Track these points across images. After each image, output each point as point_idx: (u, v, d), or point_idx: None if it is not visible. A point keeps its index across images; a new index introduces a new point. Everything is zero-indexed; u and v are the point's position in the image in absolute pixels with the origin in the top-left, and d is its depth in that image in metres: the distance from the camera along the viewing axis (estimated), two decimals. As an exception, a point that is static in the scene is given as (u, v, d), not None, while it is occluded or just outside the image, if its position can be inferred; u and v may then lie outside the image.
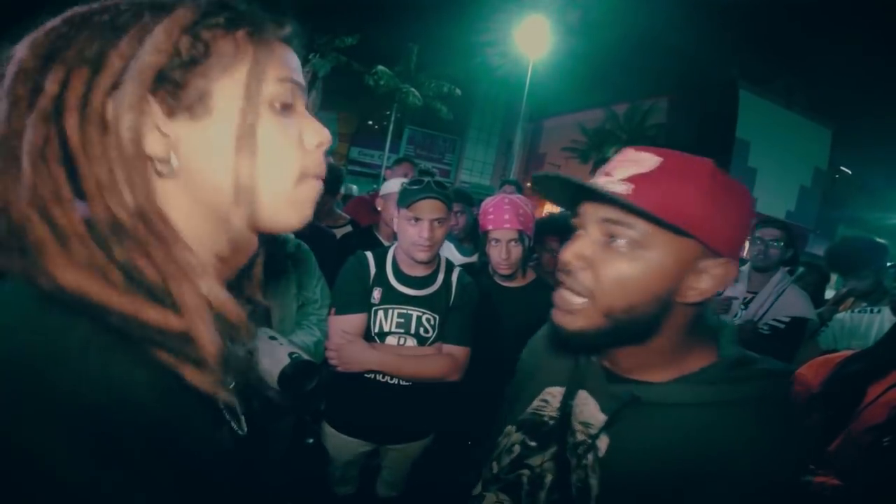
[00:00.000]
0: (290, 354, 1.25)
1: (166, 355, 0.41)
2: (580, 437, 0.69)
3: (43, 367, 0.36)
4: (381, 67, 18.08)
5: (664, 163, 0.59)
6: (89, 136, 0.40)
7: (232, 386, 0.54)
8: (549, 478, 0.71)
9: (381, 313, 1.57)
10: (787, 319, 2.26)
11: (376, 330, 1.56)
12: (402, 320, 1.57)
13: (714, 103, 17.97)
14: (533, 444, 0.75)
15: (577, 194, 0.65)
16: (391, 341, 1.57)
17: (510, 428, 0.80)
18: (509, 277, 1.81)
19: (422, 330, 1.59)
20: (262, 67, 0.46)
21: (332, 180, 2.73)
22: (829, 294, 3.39)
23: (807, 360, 1.43)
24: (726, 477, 0.56)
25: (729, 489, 0.56)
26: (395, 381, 1.56)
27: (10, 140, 0.39)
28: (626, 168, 0.60)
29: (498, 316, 1.77)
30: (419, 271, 1.61)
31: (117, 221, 0.40)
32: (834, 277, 3.77)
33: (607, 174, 0.62)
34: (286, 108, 0.48)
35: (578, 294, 0.62)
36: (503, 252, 1.74)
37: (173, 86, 0.42)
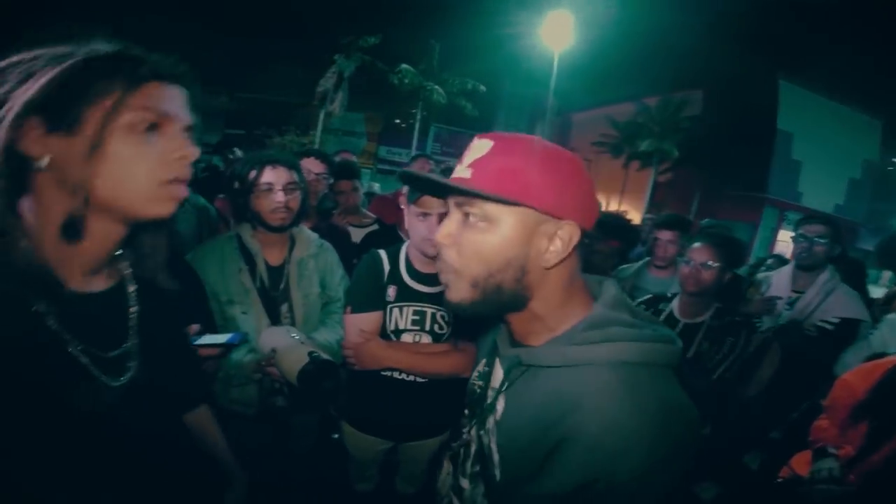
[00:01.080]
0: (310, 353, 1.26)
1: None
2: (489, 402, 0.76)
3: None
4: (404, 66, 18.16)
5: (494, 145, 0.66)
6: None
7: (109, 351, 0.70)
8: (473, 447, 0.78)
9: (396, 311, 1.55)
10: (836, 321, 2.12)
11: (392, 327, 1.54)
12: (417, 317, 1.55)
13: (752, 94, 17.24)
14: (466, 412, 0.83)
15: (430, 186, 0.77)
16: (407, 339, 1.54)
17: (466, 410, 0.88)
18: None
19: (436, 327, 1.56)
20: (127, 100, 0.61)
21: (348, 172, 2.75)
22: (877, 292, 3.17)
23: (854, 364, 1.32)
24: (576, 441, 0.60)
25: (577, 453, 0.59)
26: (411, 378, 1.54)
27: None
28: (471, 154, 0.68)
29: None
30: (432, 268, 1.58)
31: None
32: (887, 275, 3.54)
33: (460, 162, 0.70)
34: (151, 130, 0.63)
35: (449, 270, 0.69)
36: None
37: (55, 112, 0.59)
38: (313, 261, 1.72)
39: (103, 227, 0.66)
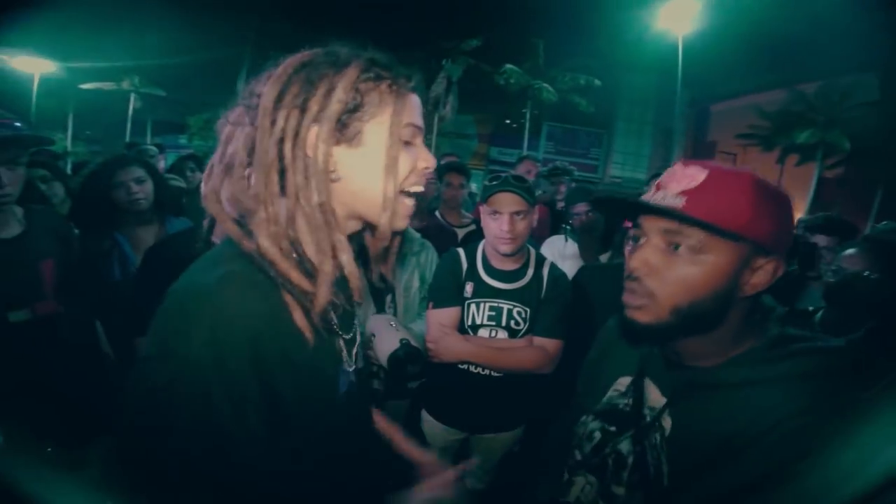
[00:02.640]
0: (401, 340, 1.41)
1: (291, 299, 0.63)
2: (649, 419, 0.79)
3: (210, 292, 0.58)
4: (508, 66, 18.00)
5: (710, 175, 0.68)
6: (296, 155, 0.62)
7: (350, 339, 0.76)
8: (630, 459, 0.80)
9: (473, 307, 1.63)
10: None
11: (469, 322, 1.63)
12: (493, 313, 1.61)
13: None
14: (612, 429, 0.84)
15: (635, 209, 0.76)
16: (483, 333, 1.62)
17: (587, 417, 0.90)
18: None
19: (513, 323, 1.60)
20: (399, 116, 0.66)
21: (459, 168, 2.89)
22: None
23: None
24: (761, 447, 0.63)
25: (762, 459, 0.63)
26: (486, 371, 1.61)
27: (259, 158, 0.62)
28: (678, 183, 0.69)
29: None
30: (508, 265, 1.63)
31: (304, 212, 0.63)
32: None
33: (661, 188, 0.71)
34: (408, 143, 0.68)
35: (644, 296, 0.71)
36: None
37: (341, 125, 0.64)
38: (415, 258, 1.89)
39: (353, 226, 0.72)
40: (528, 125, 19.50)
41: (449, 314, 1.62)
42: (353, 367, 0.77)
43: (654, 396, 0.79)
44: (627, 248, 1.61)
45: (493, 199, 1.53)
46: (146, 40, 15.59)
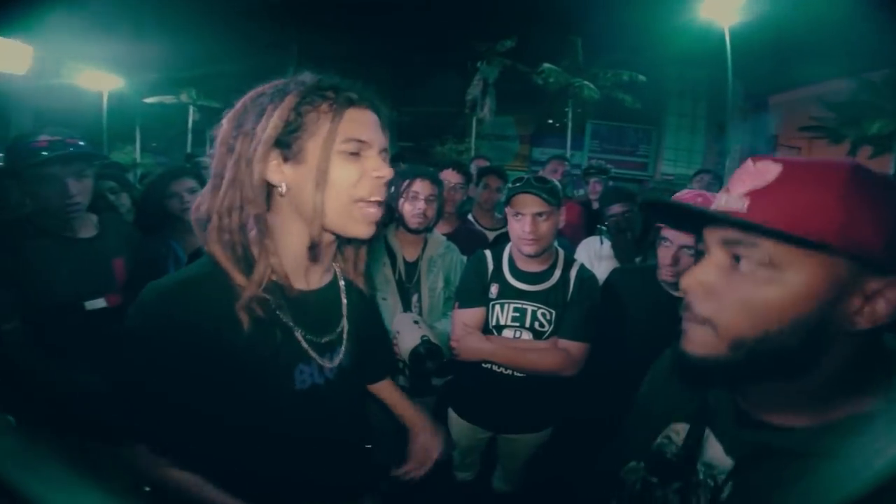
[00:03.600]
0: (422, 337, 1.48)
1: (238, 295, 0.74)
2: (703, 477, 0.64)
3: (179, 285, 0.76)
4: (546, 65, 17.66)
5: (784, 170, 0.53)
6: (248, 175, 0.73)
7: (323, 338, 0.85)
8: None
9: (497, 307, 1.66)
10: None
11: (493, 323, 1.66)
12: (517, 314, 1.63)
13: None
14: (654, 480, 0.72)
15: (687, 215, 0.62)
16: (507, 334, 1.64)
17: (634, 464, 0.77)
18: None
19: (537, 324, 1.62)
20: (333, 132, 0.73)
21: (499, 172, 2.95)
22: None
23: None
24: None
25: None
26: (509, 371, 1.63)
27: (219, 173, 0.75)
28: (744, 182, 0.55)
29: (653, 327, 1.66)
30: (534, 266, 1.65)
31: (247, 222, 0.75)
32: None
33: (727, 190, 0.58)
34: (354, 155, 0.75)
35: (700, 322, 0.57)
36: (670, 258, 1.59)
37: (286, 146, 0.73)
38: (441, 259, 1.95)
39: (327, 240, 0.80)
40: (570, 124, 19.12)
41: (473, 314, 1.66)
42: (331, 364, 0.86)
43: (716, 454, 0.64)
44: (660, 250, 1.59)
45: (515, 200, 1.56)
46: (196, 53, 16.61)
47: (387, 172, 0.77)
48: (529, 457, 1.77)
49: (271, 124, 0.71)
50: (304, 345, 0.82)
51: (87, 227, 1.59)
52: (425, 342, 1.48)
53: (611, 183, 3.66)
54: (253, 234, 0.75)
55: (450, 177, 2.56)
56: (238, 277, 0.74)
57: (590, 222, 3.26)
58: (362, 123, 0.76)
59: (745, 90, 18.25)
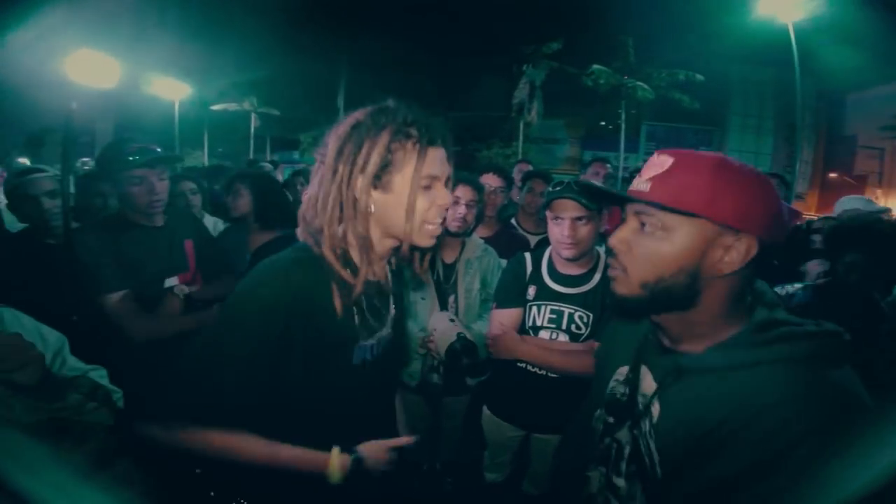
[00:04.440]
0: (458, 334, 1.52)
1: (335, 286, 0.91)
2: (641, 407, 0.81)
3: (280, 263, 0.91)
4: (596, 66, 17.21)
5: (675, 161, 0.72)
6: (348, 196, 0.89)
7: (378, 323, 1.01)
8: (627, 449, 0.83)
9: (534, 309, 1.67)
10: None
11: (530, 324, 1.67)
12: (553, 316, 1.64)
13: None
14: (611, 420, 0.89)
15: (609, 196, 0.88)
16: (544, 336, 1.65)
17: (598, 411, 0.94)
18: None
19: (573, 327, 1.61)
20: (419, 171, 0.88)
21: (544, 176, 2.96)
22: None
23: None
24: (747, 436, 0.65)
25: (749, 448, 0.64)
26: (542, 372, 1.64)
27: (325, 193, 0.90)
28: (650, 170, 0.75)
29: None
30: (573, 270, 1.64)
31: (353, 235, 0.92)
32: None
33: (640, 175, 0.77)
34: (428, 188, 0.90)
35: (619, 268, 0.77)
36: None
37: (377, 178, 0.88)
38: (477, 262, 1.99)
39: (391, 244, 0.97)
40: (623, 126, 18.56)
41: (510, 314, 1.68)
42: (374, 342, 1.00)
43: (648, 383, 0.82)
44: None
45: (555, 204, 1.57)
46: (255, 61, 17.57)
47: (449, 201, 0.94)
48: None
49: (371, 162, 0.87)
50: (364, 328, 0.97)
51: (159, 218, 1.84)
52: (461, 338, 1.51)
53: None
54: (351, 240, 0.92)
55: (490, 181, 2.58)
56: (347, 276, 0.91)
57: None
58: (437, 160, 0.91)
59: (818, 89, 17.02)
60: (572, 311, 1.62)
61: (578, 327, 1.62)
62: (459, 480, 2.04)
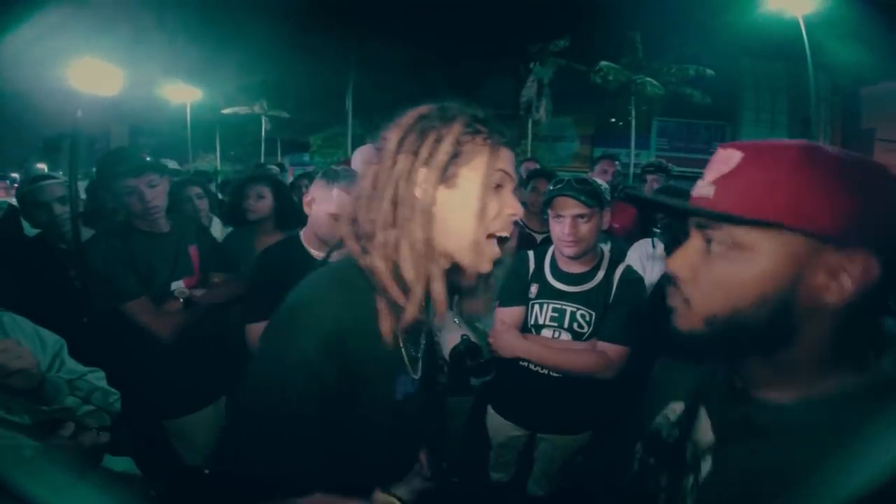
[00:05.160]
0: (462, 336, 1.53)
1: (383, 308, 0.76)
2: (689, 456, 0.66)
3: (314, 302, 0.75)
4: (604, 63, 17.02)
5: (745, 156, 0.56)
6: (408, 193, 0.74)
7: (416, 352, 0.87)
8: (660, 499, 0.69)
9: (536, 307, 1.67)
10: None
11: (532, 322, 1.67)
12: (555, 314, 1.63)
13: None
14: (651, 461, 0.74)
15: (659, 206, 0.71)
16: (546, 334, 1.65)
17: (638, 445, 0.79)
18: None
19: (576, 325, 1.61)
20: (493, 164, 0.76)
21: (547, 174, 2.97)
22: None
23: None
24: None
25: None
26: (545, 371, 1.63)
27: (381, 190, 0.76)
28: (714, 170, 0.59)
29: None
30: (575, 268, 1.64)
31: (408, 241, 0.75)
32: None
33: (703, 177, 0.61)
34: (499, 188, 0.77)
35: (679, 299, 0.62)
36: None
37: (443, 168, 0.74)
38: None
39: (444, 262, 0.79)
40: (634, 122, 18.37)
41: (512, 313, 1.68)
42: (417, 376, 0.86)
43: (705, 431, 0.65)
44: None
45: (556, 202, 1.56)
46: (263, 64, 17.74)
47: (520, 212, 0.80)
48: (566, 461, 1.75)
49: (443, 149, 0.74)
50: (406, 357, 0.84)
51: (164, 223, 1.87)
52: (465, 340, 1.52)
53: (671, 182, 3.52)
54: (404, 251, 0.75)
55: None
56: (397, 294, 0.75)
57: (645, 223, 3.16)
58: (509, 160, 0.80)
59: (832, 82, 16.70)
60: (574, 309, 1.62)
61: (580, 326, 1.61)
62: (465, 479, 2.05)
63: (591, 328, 1.60)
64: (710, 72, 16.58)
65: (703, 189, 0.58)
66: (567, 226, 1.54)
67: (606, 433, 1.70)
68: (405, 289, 0.75)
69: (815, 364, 0.55)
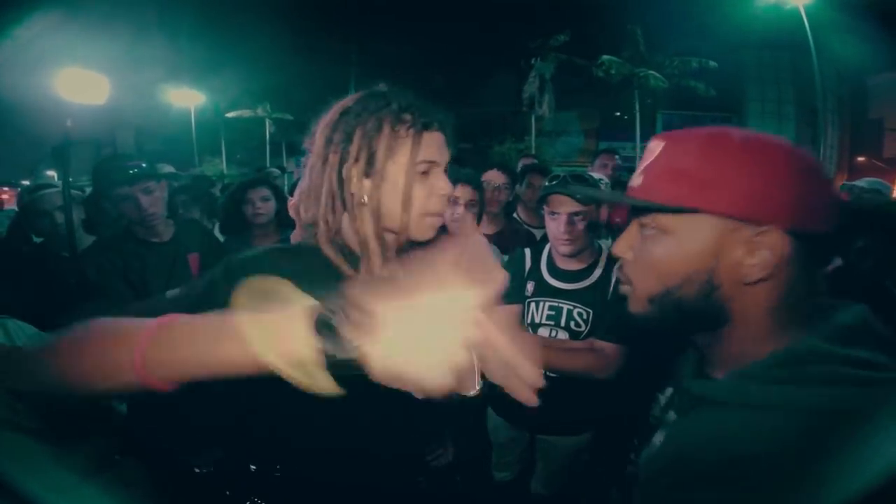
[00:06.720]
0: None
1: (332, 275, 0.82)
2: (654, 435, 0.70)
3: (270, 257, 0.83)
4: (605, 57, 16.94)
5: (665, 145, 0.59)
6: (341, 188, 0.80)
7: None
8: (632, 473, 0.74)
9: (532, 305, 1.65)
10: None
11: (528, 321, 1.65)
12: (552, 313, 1.62)
13: None
14: (636, 441, 0.78)
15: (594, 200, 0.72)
16: (543, 333, 1.63)
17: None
18: None
19: (572, 323, 1.59)
20: (414, 156, 0.79)
21: (541, 169, 2.98)
22: None
23: None
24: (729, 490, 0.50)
25: None
26: (542, 371, 1.62)
27: (317, 185, 0.82)
28: (644, 160, 0.62)
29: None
30: (572, 265, 1.62)
31: (350, 228, 0.83)
32: None
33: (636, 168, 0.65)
34: (424, 174, 0.81)
35: (626, 282, 0.66)
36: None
37: (370, 164, 0.79)
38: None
39: (392, 238, 0.85)
40: (638, 115, 18.24)
41: (508, 311, 1.66)
42: None
43: (674, 412, 0.69)
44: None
45: (551, 199, 1.54)
46: (266, 67, 17.82)
47: (450, 189, 0.85)
48: (569, 461, 1.73)
49: (364, 146, 0.79)
50: None
51: (168, 231, 1.87)
52: None
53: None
54: (348, 234, 0.84)
55: (494, 178, 2.56)
56: (344, 267, 0.83)
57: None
58: (433, 145, 0.82)
59: (838, 72, 16.47)
60: (571, 307, 1.60)
61: (578, 324, 1.59)
62: (468, 478, 2.05)
63: (588, 326, 1.58)
64: (713, 63, 16.46)
65: (634, 179, 0.62)
66: (562, 223, 1.52)
67: (607, 433, 1.69)
68: (354, 263, 0.83)
69: (753, 340, 0.58)
